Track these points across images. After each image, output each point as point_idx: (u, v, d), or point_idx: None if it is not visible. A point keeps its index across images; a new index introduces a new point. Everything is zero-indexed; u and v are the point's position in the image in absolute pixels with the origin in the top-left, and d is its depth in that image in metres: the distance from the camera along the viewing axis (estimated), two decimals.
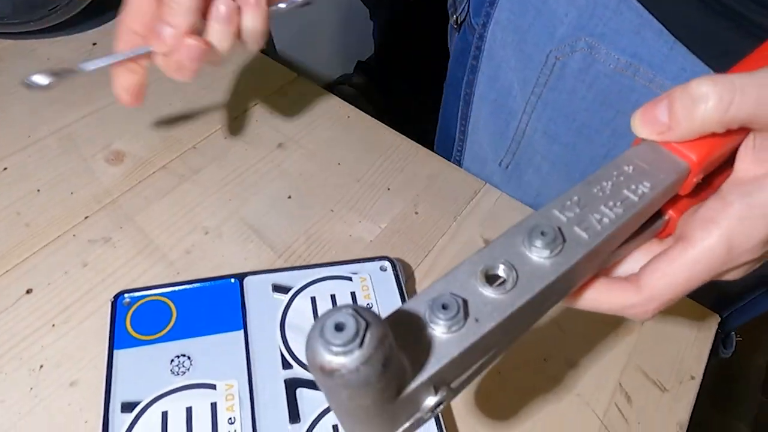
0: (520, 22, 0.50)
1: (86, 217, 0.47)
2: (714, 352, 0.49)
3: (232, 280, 0.43)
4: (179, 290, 0.42)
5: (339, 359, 0.16)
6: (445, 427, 0.37)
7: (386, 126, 0.59)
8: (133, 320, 0.40)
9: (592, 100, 0.49)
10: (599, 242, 0.23)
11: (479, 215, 0.53)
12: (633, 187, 0.24)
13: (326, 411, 0.37)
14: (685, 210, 0.27)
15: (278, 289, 0.42)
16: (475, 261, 0.22)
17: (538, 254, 0.22)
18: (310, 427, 0.36)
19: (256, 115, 0.58)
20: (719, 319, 0.49)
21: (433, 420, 0.37)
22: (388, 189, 0.53)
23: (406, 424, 0.21)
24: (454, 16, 0.58)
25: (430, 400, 0.20)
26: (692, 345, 0.47)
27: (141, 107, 0.55)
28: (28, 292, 0.42)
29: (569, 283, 0.24)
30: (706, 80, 0.23)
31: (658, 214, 0.27)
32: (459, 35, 0.58)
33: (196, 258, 0.46)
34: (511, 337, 0.23)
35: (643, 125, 0.25)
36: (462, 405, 0.41)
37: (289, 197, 0.52)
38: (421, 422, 0.21)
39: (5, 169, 0.49)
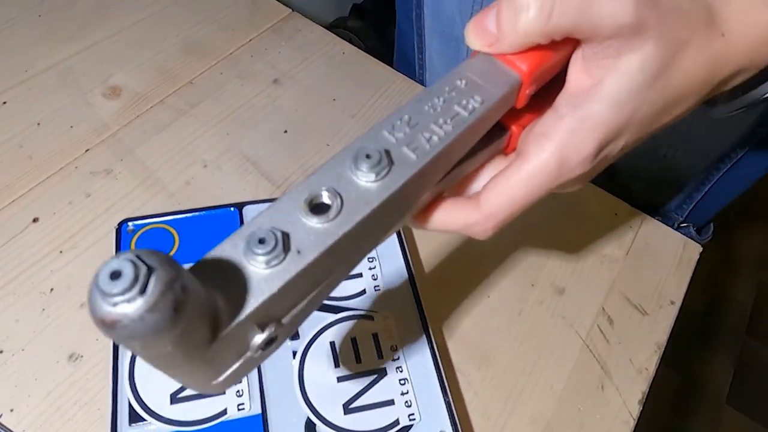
0: None
1: (87, 150, 0.48)
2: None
3: (232, 208, 0.44)
4: (181, 218, 0.43)
5: (117, 310, 0.15)
6: (438, 350, 0.39)
7: (380, 62, 0.59)
8: (138, 246, 0.41)
9: None
10: (427, 162, 0.22)
11: None
12: (464, 102, 0.23)
13: (323, 329, 0.39)
14: (527, 124, 0.26)
15: None
16: (299, 190, 0.21)
17: (364, 178, 0.21)
18: (308, 343, 0.39)
19: (251, 50, 0.58)
20: (701, 249, 0.51)
21: (427, 347, 0.40)
22: None
23: (236, 365, 0.20)
24: None
25: (258, 338, 0.19)
26: (674, 272, 0.49)
27: (136, 42, 0.55)
28: (35, 220, 0.44)
29: (402, 206, 0.23)
30: None
31: (501, 129, 0.27)
32: None
33: (196, 189, 0.47)
34: (344, 267, 0.22)
35: (474, 36, 0.24)
36: (450, 325, 0.43)
37: (285, 132, 0.52)
38: (253, 361, 0.20)
39: (5, 103, 0.50)
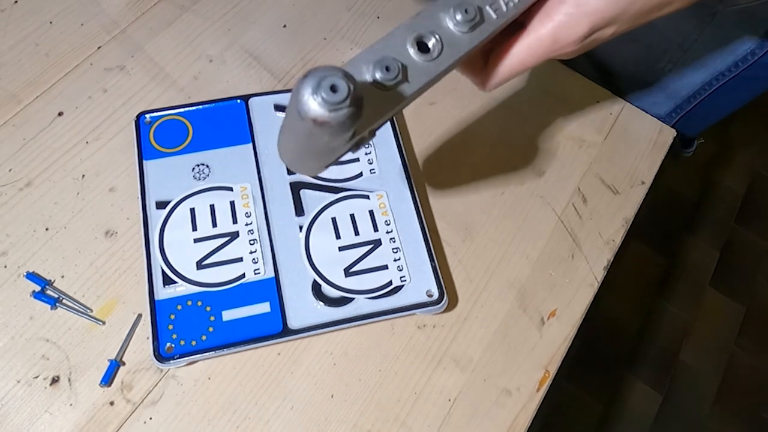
0: None
1: (99, 47, 0.51)
2: (674, 154, 0.55)
3: (238, 100, 0.48)
4: (193, 110, 0.47)
5: (332, 115, 0.21)
6: (426, 223, 0.45)
7: None
8: (156, 136, 0.46)
9: None
10: (503, 22, 0.27)
11: None
12: None
13: (325, 207, 0.45)
14: None
15: (279, 108, 0.48)
16: (407, 28, 0.26)
17: (459, 28, 0.26)
18: (312, 219, 0.44)
19: None
20: (675, 133, 0.55)
21: (417, 220, 0.45)
22: (378, 17, 0.56)
23: (352, 145, 0.27)
24: None
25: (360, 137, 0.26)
26: (647, 155, 0.54)
27: None
28: (60, 114, 0.48)
29: (471, 56, 0.29)
30: None
31: None
32: None
33: (204, 83, 0.51)
34: (422, 93, 0.28)
35: None
36: (439, 203, 0.48)
37: (284, 26, 0.55)
38: (357, 146, 0.27)
39: (16, 2, 0.52)
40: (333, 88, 0.21)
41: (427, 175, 0.50)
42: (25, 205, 0.44)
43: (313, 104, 0.21)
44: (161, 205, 0.43)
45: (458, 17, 0.26)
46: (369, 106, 0.24)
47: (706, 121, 0.63)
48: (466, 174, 0.50)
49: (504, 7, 0.27)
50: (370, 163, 0.47)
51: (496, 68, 0.30)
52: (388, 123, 0.48)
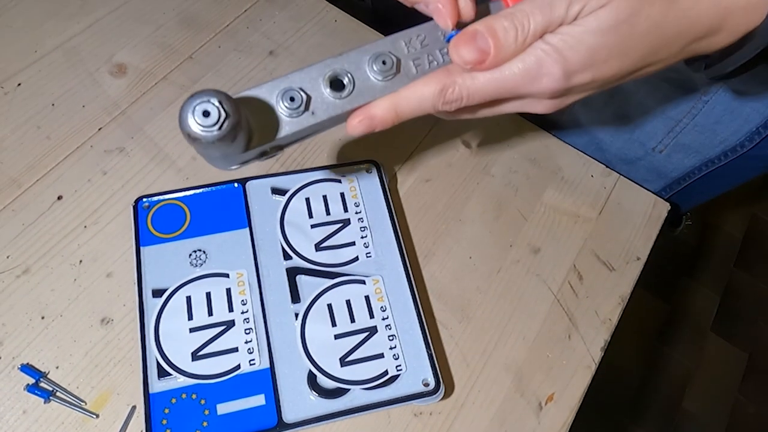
0: None
1: (99, 129, 0.52)
2: (663, 232, 0.55)
3: (236, 184, 0.48)
4: (191, 194, 0.48)
5: (202, 133, 0.24)
6: (423, 308, 0.45)
7: (371, 29, 0.62)
8: (154, 221, 0.46)
9: None
10: (420, 77, 0.29)
11: None
12: None
13: (321, 293, 0.45)
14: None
15: (277, 191, 0.48)
16: (326, 65, 0.29)
17: (375, 77, 0.29)
18: (308, 305, 0.44)
19: (247, 21, 0.60)
20: (669, 207, 0.56)
21: (413, 306, 0.45)
22: None
23: (250, 157, 0.29)
24: None
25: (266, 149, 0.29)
26: (642, 230, 0.54)
27: (136, 18, 0.58)
28: (59, 198, 0.49)
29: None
30: None
31: None
32: None
33: (202, 164, 0.52)
34: (331, 126, 0.30)
35: None
36: (435, 284, 0.49)
37: None
38: (259, 156, 0.30)
39: (19, 84, 0.53)
40: (205, 113, 0.24)
41: (423, 255, 0.50)
42: (22, 292, 0.44)
43: (189, 122, 0.24)
44: (158, 293, 0.43)
45: (375, 67, 0.29)
46: (264, 128, 0.28)
47: (697, 200, 0.64)
48: (462, 252, 0.51)
49: (427, 65, 0.29)
50: (366, 247, 0.47)
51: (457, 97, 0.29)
52: (384, 204, 0.49)
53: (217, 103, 0.24)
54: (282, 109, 0.28)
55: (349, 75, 0.29)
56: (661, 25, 0.26)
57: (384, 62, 0.28)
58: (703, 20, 0.27)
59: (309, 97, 0.28)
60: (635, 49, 0.27)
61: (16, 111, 0.52)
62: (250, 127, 0.27)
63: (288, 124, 0.28)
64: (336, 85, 0.28)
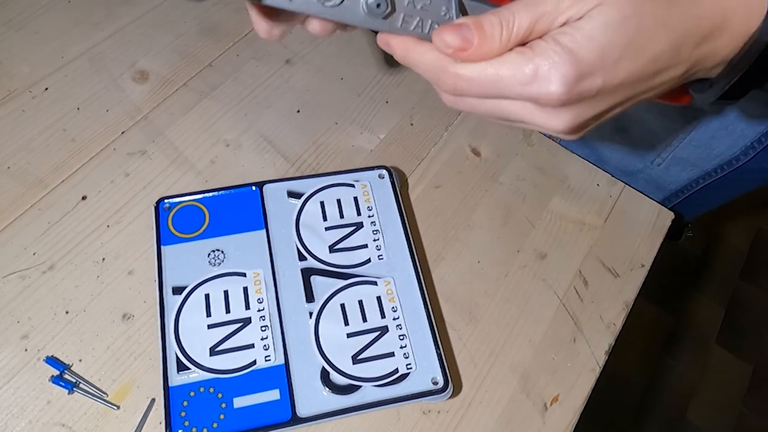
0: None
1: (122, 132, 0.54)
2: (665, 243, 0.57)
3: (253, 187, 0.50)
4: (210, 196, 0.49)
5: None
6: (432, 309, 0.46)
7: None
8: (174, 221, 0.48)
9: None
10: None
11: (468, 126, 0.59)
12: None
13: (335, 294, 0.46)
14: None
15: (292, 194, 0.50)
16: None
17: (363, 6, 0.29)
18: (322, 305, 0.46)
19: None
20: (673, 216, 0.57)
21: (423, 307, 0.46)
22: (386, 102, 0.59)
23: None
24: None
25: None
26: (646, 238, 0.55)
27: (158, 26, 0.60)
28: (84, 198, 0.50)
29: None
30: None
31: None
32: None
33: (220, 167, 0.54)
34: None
35: None
36: (444, 286, 0.50)
37: (298, 111, 0.58)
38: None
39: (46, 89, 0.55)
40: None
41: (433, 258, 0.52)
42: (48, 288, 0.46)
43: None
44: (177, 290, 0.45)
45: (369, 1, 0.29)
46: None
47: (696, 211, 0.65)
48: (471, 256, 0.52)
49: (411, 27, 0.31)
50: (378, 249, 0.48)
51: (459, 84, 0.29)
52: (396, 209, 0.50)
53: None
54: None
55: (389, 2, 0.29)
56: (667, 23, 0.26)
57: (378, 5, 0.29)
58: (707, 17, 0.27)
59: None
60: (645, 48, 0.26)
61: (44, 114, 0.54)
62: None
63: None
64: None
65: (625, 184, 0.58)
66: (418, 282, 0.47)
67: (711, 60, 0.29)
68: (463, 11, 0.31)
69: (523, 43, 0.28)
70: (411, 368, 0.44)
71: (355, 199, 0.50)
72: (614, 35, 0.26)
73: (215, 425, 0.41)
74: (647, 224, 0.56)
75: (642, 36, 0.26)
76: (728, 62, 0.30)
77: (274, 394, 0.42)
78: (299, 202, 0.50)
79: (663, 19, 0.26)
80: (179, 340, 0.43)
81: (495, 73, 0.27)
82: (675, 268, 1.51)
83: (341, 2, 0.29)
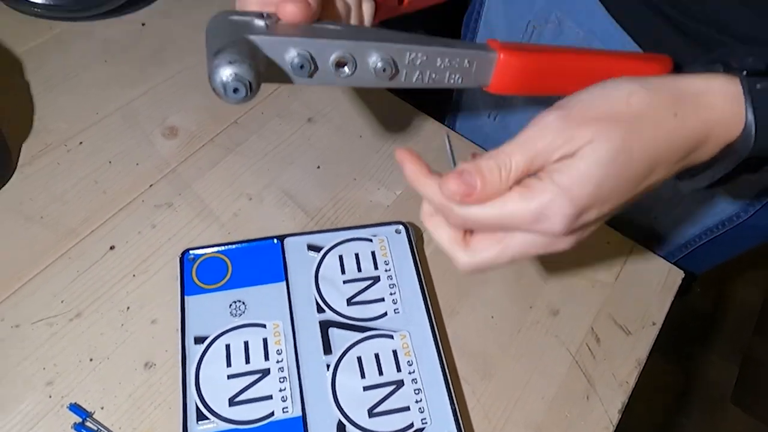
0: None
1: (151, 185, 0.57)
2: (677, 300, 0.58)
3: (275, 240, 0.52)
4: (233, 248, 0.51)
5: (234, 96, 0.29)
6: (447, 364, 0.47)
7: (402, 100, 0.67)
8: (198, 272, 0.50)
9: None
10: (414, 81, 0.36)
11: None
12: (454, 76, 0.37)
13: (352, 346, 0.47)
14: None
15: (312, 248, 0.52)
16: (337, 46, 0.33)
17: (372, 71, 0.34)
18: (339, 357, 0.47)
19: (288, 90, 0.66)
20: (683, 274, 0.58)
21: (438, 361, 0.47)
22: None
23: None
24: None
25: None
26: (657, 296, 0.56)
27: (188, 85, 0.63)
28: (112, 248, 0.52)
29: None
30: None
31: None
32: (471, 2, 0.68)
33: (243, 220, 0.56)
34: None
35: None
36: (459, 341, 0.51)
37: (318, 167, 0.60)
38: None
39: (81, 143, 0.58)
40: (235, 90, 0.29)
41: (447, 312, 0.53)
42: (74, 335, 0.48)
43: (221, 92, 0.29)
44: (199, 340, 0.46)
45: (378, 66, 0.34)
46: (269, 67, 0.33)
47: (702, 266, 0.66)
48: (484, 311, 0.53)
49: (413, 80, 0.36)
50: (395, 303, 0.50)
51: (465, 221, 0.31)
52: (412, 263, 0.52)
53: (244, 82, 0.28)
54: (289, 67, 0.33)
55: (354, 62, 0.34)
56: (654, 151, 0.29)
57: (384, 69, 0.34)
58: (691, 137, 0.30)
59: (316, 68, 0.34)
60: (635, 175, 0.29)
61: (78, 167, 0.57)
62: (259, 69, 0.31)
63: (290, 76, 0.34)
64: (340, 64, 0.34)
65: (635, 242, 0.59)
66: (433, 336, 0.48)
67: (693, 163, 0.32)
68: (458, 65, 0.36)
69: (523, 177, 0.30)
70: (426, 423, 0.44)
71: (373, 253, 0.52)
72: (607, 171, 0.28)
73: None
74: (657, 282, 0.57)
75: (632, 166, 0.29)
76: (710, 163, 0.33)
77: None
78: (318, 256, 0.52)
79: (650, 148, 0.29)
80: (199, 389, 0.44)
81: (499, 213, 0.30)
82: (686, 324, 1.50)
83: (353, 72, 0.34)
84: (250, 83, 0.28)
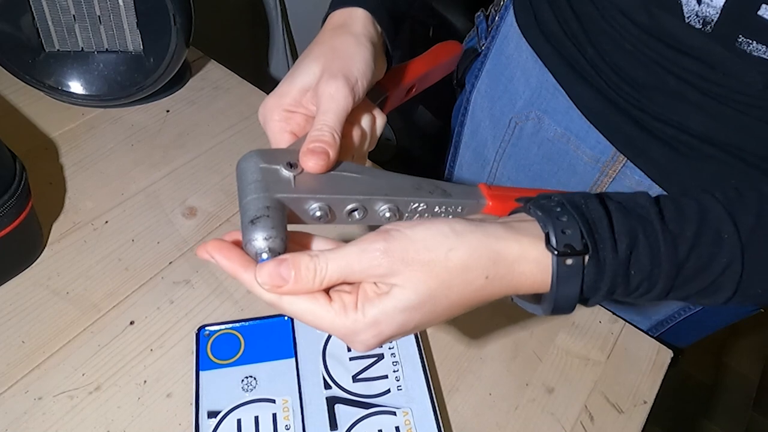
0: (493, 93, 0.68)
1: (170, 263, 0.61)
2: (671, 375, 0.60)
3: (285, 317, 0.55)
4: (246, 325, 0.55)
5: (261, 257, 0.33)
6: None
7: (391, 172, 0.71)
8: (213, 348, 0.53)
9: (542, 156, 0.66)
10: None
11: None
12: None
13: (356, 422, 0.50)
14: None
15: None
16: (351, 200, 0.37)
17: (380, 216, 0.38)
18: None
19: None
20: (672, 354, 0.61)
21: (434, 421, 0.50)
22: None
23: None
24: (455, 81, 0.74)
25: None
26: (648, 374, 0.59)
27: (207, 168, 0.68)
28: (131, 323, 0.56)
29: None
30: None
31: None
32: (459, 95, 0.74)
33: (255, 298, 0.58)
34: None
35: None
36: (458, 417, 0.53)
37: None
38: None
39: (106, 222, 0.63)
40: (257, 255, 0.33)
41: (447, 389, 0.55)
42: (93, 408, 0.50)
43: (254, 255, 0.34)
44: (212, 414, 0.49)
45: (386, 214, 0.38)
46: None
47: (685, 340, 0.69)
48: (483, 388, 0.56)
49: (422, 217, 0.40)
50: (398, 380, 0.53)
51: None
52: (414, 341, 0.55)
53: (276, 254, 0.33)
54: (309, 215, 0.37)
55: (365, 210, 0.38)
56: (460, 299, 0.33)
57: (389, 217, 0.38)
58: (498, 294, 0.34)
59: (333, 217, 0.38)
60: (439, 316, 0.34)
61: (102, 245, 0.61)
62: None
63: (308, 221, 0.38)
64: (352, 210, 0.38)
65: (626, 321, 0.62)
66: (434, 413, 0.51)
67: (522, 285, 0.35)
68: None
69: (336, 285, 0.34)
70: None
71: None
72: (410, 315, 0.32)
73: None
74: (648, 361, 0.60)
75: (435, 311, 0.33)
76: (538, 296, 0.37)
77: None
78: (326, 333, 0.55)
79: (455, 300, 0.33)
80: None
81: (309, 309, 0.33)
82: (685, 395, 1.50)
83: (363, 217, 0.38)
84: (279, 253, 0.33)
